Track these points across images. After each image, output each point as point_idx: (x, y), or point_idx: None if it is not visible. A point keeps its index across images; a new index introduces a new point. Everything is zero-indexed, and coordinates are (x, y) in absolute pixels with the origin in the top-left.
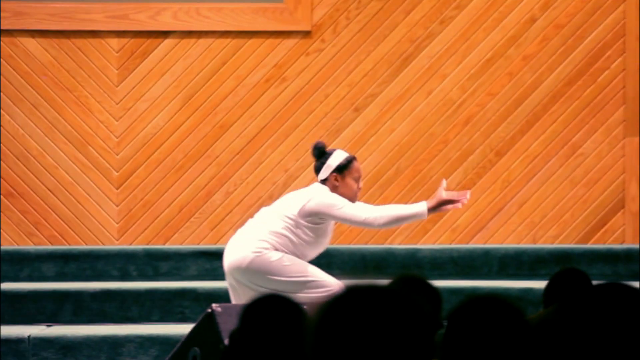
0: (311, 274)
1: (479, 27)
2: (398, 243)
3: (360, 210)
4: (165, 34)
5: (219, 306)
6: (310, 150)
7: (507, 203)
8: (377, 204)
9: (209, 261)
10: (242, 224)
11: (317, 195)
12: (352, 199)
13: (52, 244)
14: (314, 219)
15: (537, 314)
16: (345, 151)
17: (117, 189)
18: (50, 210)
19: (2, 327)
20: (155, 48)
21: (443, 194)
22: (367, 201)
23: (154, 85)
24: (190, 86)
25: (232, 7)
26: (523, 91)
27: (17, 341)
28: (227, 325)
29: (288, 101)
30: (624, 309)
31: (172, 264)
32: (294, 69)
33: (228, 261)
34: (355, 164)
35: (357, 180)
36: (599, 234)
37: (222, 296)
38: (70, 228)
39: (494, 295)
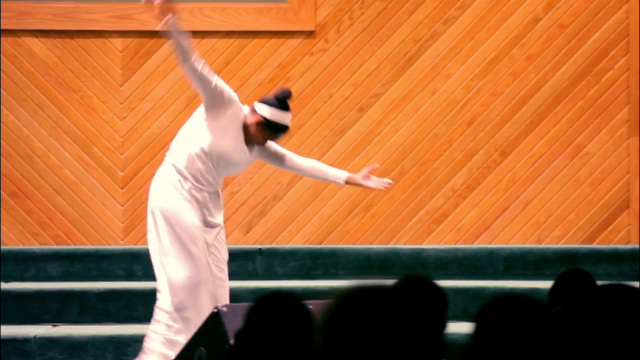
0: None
1: (483, 27)
2: (403, 243)
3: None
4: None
5: (224, 306)
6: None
7: (512, 203)
8: (379, 204)
9: None
10: (247, 224)
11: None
12: (252, 140)
13: (57, 244)
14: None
15: None
16: (289, 120)
17: (122, 188)
18: (55, 210)
19: (8, 327)
20: (159, 48)
21: (359, 179)
22: (369, 199)
23: (158, 85)
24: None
25: (235, 7)
26: (527, 91)
27: (23, 341)
28: (233, 325)
29: (292, 101)
30: (627, 310)
31: None
32: (297, 69)
33: None
34: (280, 134)
35: (267, 139)
36: (604, 233)
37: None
38: (75, 228)
39: (520, 294)
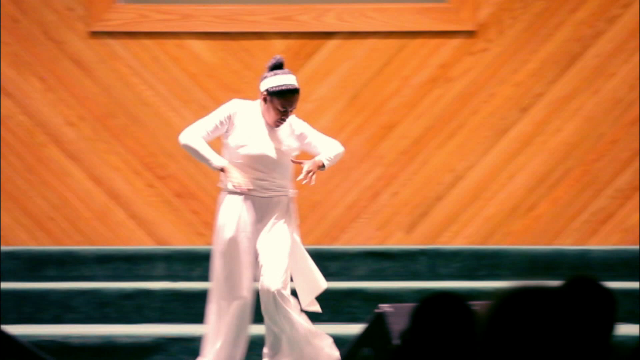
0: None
1: None
2: (567, 244)
3: (193, 129)
4: (329, 34)
5: (388, 306)
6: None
7: None
8: (543, 204)
9: (377, 261)
10: (410, 224)
11: None
12: (270, 122)
13: None
14: None
15: None
16: (296, 81)
17: None
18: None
19: (175, 325)
20: (319, 49)
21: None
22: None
23: (319, 85)
24: (355, 87)
25: (396, 7)
26: None
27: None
28: (397, 325)
29: (453, 101)
30: None
31: (340, 264)
32: (458, 69)
33: None
34: (284, 97)
35: (278, 110)
36: None
37: (391, 296)
38: None
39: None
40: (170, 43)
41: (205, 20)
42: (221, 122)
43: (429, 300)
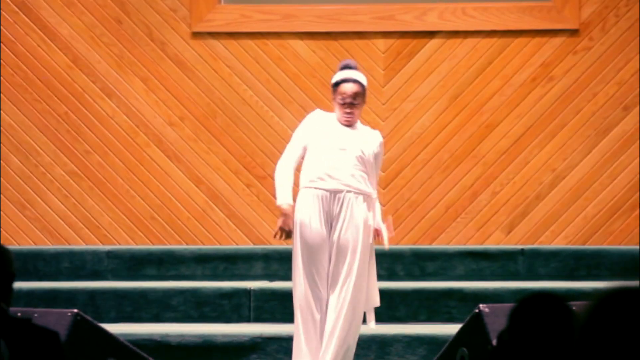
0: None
1: None
2: None
3: (282, 158)
4: (431, 34)
5: (486, 306)
6: None
7: None
8: None
9: (475, 261)
10: (509, 224)
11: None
12: (340, 119)
13: None
14: None
15: None
16: (360, 77)
17: (384, 189)
18: None
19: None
20: (421, 48)
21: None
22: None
23: (420, 85)
24: (456, 86)
25: (498, 6)
26: None
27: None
28: (495, 325)
29: (555, 100)
30: None
31: (438, 264)
32: (561, 68)
33: None
34: (341, 87)
35: (340, 103)
36: None
37: (488, 296)
38: None
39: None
40: (271, 43)
41: (307, 20)
42: (303, 139)
43: (527, 301)
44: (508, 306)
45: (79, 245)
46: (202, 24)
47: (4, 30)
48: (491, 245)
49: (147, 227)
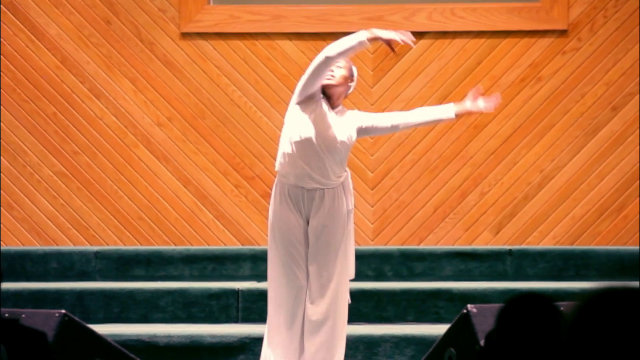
0: None
1: None
2: None
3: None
4: (420, 34)
5: (474, 307)
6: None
7: None
8: (632, 205)
9: (464, 262)
10: (497, 225)
11: None
12: (332, 93)
13: None
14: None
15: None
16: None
17: (372, 189)
18: None
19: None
20: (410, 49)
21: (469, 106)
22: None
23: (408, 85)
24: (445, 86)
25: (486, 7)
26: None
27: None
28: (483, 326)
29: (543, 101)
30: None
31: (427, 265)
32: (549, 68)
33: None
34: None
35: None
36: None
37: (477, 297)
38: None
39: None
40: (260, 44)
41: (296, 20)
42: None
43: (515, 301)
44: (496, 306)
45: (67, 246)
46: (191, 24)
47: None
48: (479, 245)
49: (135, 227)
